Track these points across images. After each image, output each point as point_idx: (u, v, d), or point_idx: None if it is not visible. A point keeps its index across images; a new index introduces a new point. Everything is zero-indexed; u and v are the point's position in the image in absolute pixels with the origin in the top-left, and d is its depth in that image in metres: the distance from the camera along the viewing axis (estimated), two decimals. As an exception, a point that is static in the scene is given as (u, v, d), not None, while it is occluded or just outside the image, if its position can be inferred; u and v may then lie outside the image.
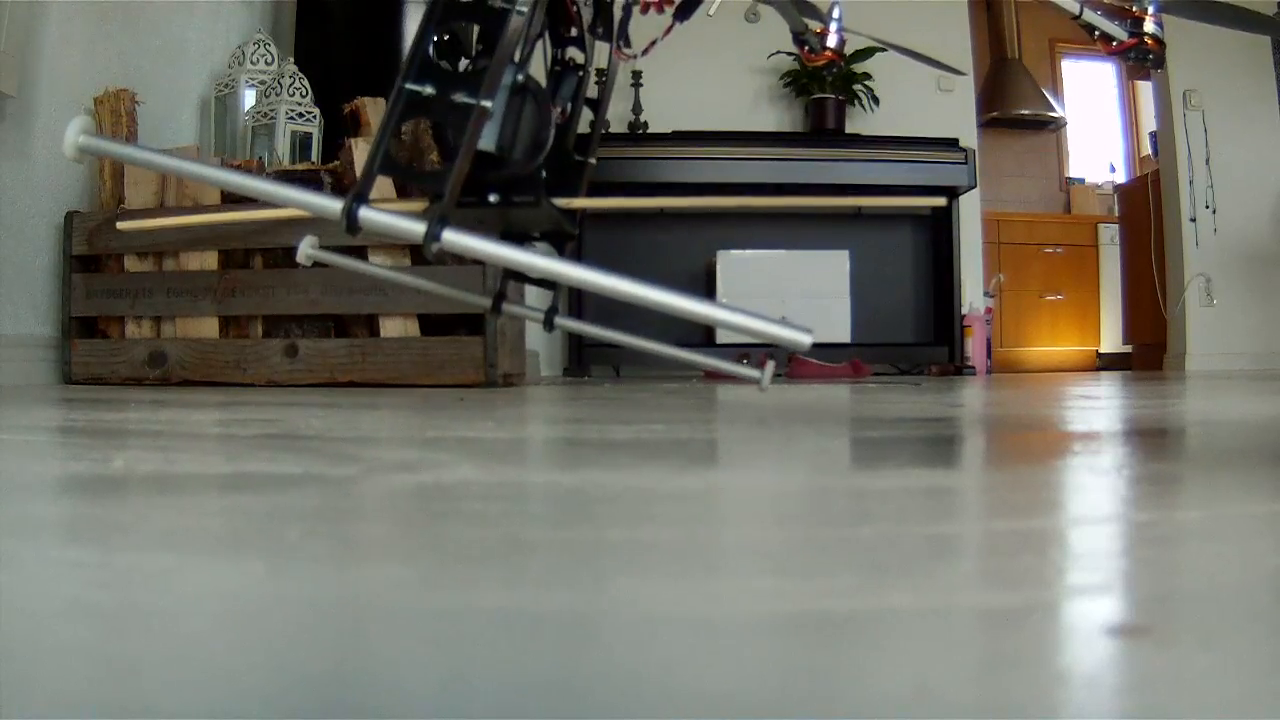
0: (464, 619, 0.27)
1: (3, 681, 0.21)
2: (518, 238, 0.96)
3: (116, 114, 2.25)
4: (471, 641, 0.25)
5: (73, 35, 2.25)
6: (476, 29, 0.79)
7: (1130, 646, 0.23)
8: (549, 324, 1.08)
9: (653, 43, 1.09)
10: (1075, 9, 1.12)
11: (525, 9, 0.75)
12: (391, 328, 2.10)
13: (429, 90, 0.73)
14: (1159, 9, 1.10)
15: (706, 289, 3.79)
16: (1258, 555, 0.34)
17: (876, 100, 4.11)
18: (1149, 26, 1.10)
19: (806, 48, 1.24)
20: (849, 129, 4.09)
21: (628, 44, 1.09)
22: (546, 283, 1.06)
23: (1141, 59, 1.10)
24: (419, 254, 2.10)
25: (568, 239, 1.02)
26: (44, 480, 0.57)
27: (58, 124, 2.23)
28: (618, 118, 4.04)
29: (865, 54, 4.05)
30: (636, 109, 3.94)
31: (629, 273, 0.75)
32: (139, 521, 0.42)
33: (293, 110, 2.51)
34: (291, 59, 2.67)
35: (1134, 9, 1.10)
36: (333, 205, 0.70)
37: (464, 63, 0.79)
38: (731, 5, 3.53)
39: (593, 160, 1.04)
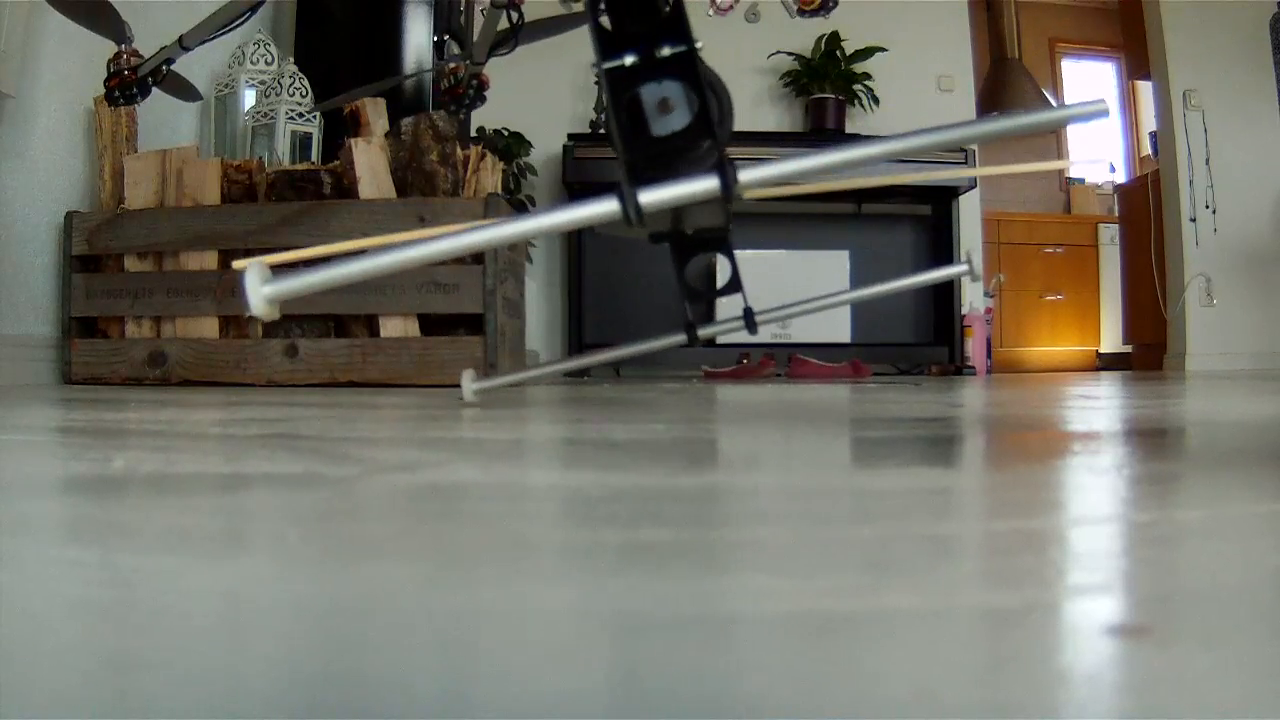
0: (464, 619, 0.27)
1: (3, 681, 0.21)
2: (688, 241, 0.89)
3: (116, 114, 2.25)
4: (472, 642, 0.25)
5: (73, 35, 2.25)
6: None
7: (1130, 646, 0.23)
8: (752, 327, 1.04)
9: None
10: None
11: None
12: (391, 328, 2.10)
13: (630, 60, 0.70)
14: None
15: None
16: (1258, 555, 0.34)
17: (876, 100, 4.11)
18: None
19: None
20: (849, 129, 4.09)
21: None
22: (736, 287, 1.01)
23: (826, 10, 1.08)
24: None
25: (727, 232, 0.97)
26: (44, 480, 0.57)
27: (58, 124, 2.23)
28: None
29: (865, 54, 4.06)
30: (636, 109, 3.94)
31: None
32: (139, 521, 0.42)
33: (293, 110, 2.51)
34: (291, 59, 2.67)
35: None
36: (610, 205, 0.67)
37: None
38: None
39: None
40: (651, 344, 1.06)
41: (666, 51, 0.70)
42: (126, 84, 1.70)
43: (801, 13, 1.12)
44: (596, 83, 4.00)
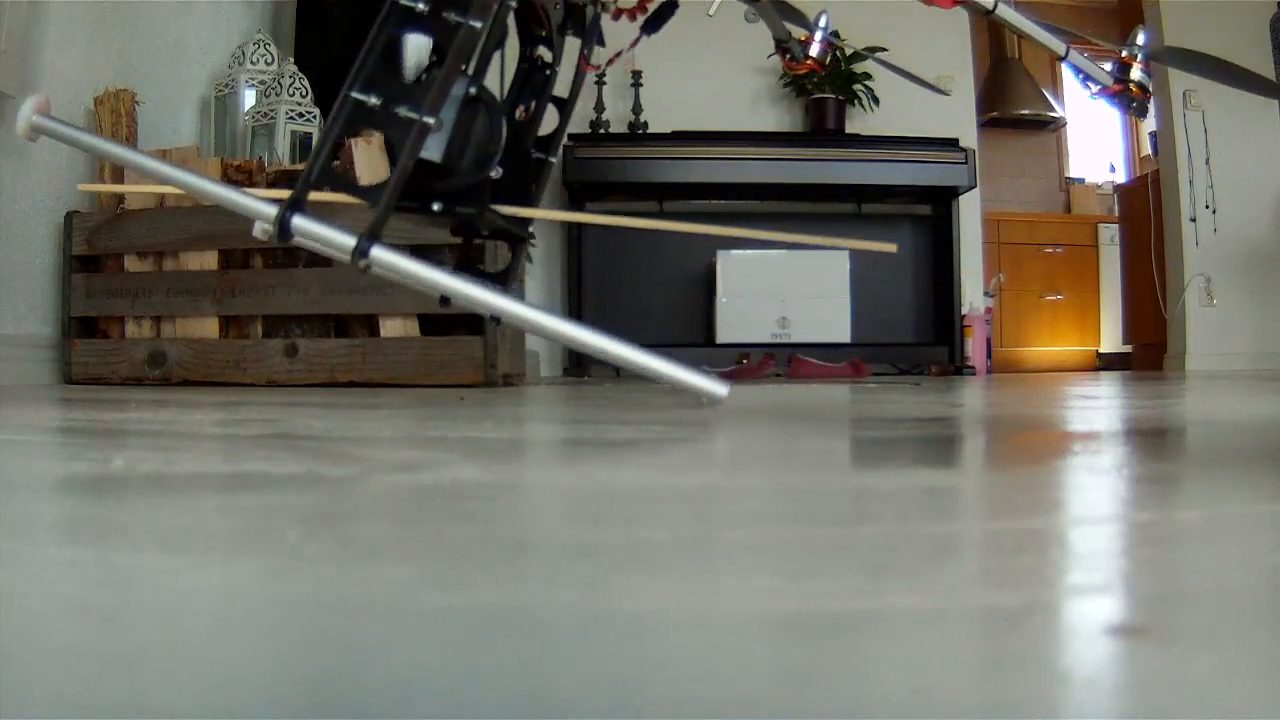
0: (464, 619, 0.27)
1: (3, 681, 0.21)
2: (469, 235, 0.92)
3: (116, 114, 2.25)
4: (472, 641, 0.25)
5: (73, 35, 2.25)
6: (428, 41, 0.78)
7: (1130, 646, 0.23)
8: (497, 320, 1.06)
9: (618, 54, 1.08)
10: (1061, 50, 1.11)
11: (479, 24, 0.74)
12: (391, 328, 2.10)
13: (374, 101, 0.72)
14: (1147, 57, 1.09)
15: (706, 289, 3.79)
16: (1258, 555, 0.34)
17: (876, 100, 4.11)
18: (1135, 74, 1.09)
19: (789, 55, 1.24)
20: (849, 129, 4.09)
21: (601, 43, 1.08)
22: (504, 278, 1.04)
23: (1125, 106, 1.09)
24: (418, 254, 2.10)
25: (520, 241, 1.00)
26: (44, 480, 0.57)
27: (58, 124, 2.23)
28: (618, 117, 4.04)
29: (865, 54, 4.06)
30: (636, 109, 3.94)
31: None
32: (139, 521, 0.42)
33: (293, 110, 2.51)
34: (291, 59, 2.67)
35: (1124, 55, 1.09)
36: (266, 209, 0.69)
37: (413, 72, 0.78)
38: (731, 5, 3.54)
39: (553, 159, 1.03)
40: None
41: (402, 112, 0.72)
42: None
43: (788, 73, 1.15)
44: (597, 82, 4.00)
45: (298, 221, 0.68)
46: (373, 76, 0.73)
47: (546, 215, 1.02)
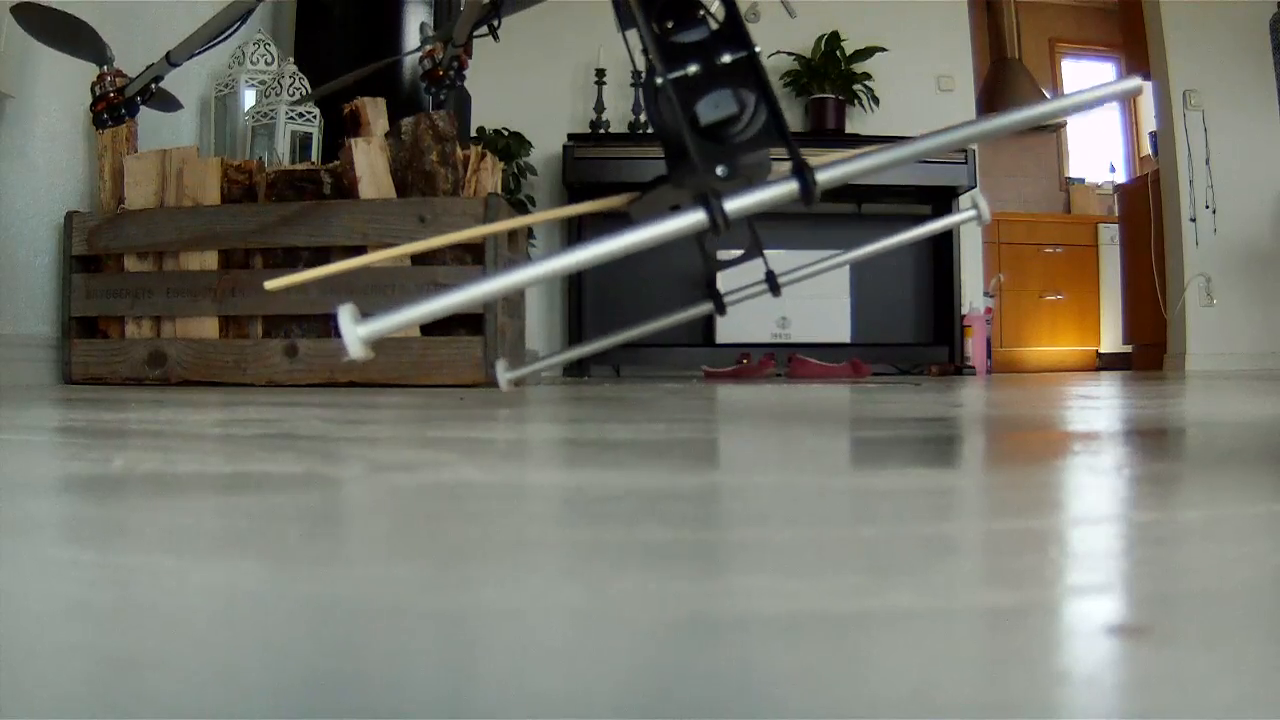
0: (464, 619, 0.27)
1: (3, 681, 0.21)
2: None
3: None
4: (472, 642, 0.25)
5: (73, 35, 2.25)
6: (661, 9, 0.75)
7: (1130, 646, 0.23)
8: (774, 289, 1.03)
9: None
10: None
11: None
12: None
13: (693, 69, 0.70)
14: None
15: (706, 289, 3.79)
16: (1258, 555, 0.34)
17: (876, 100, 4.11)
18: None
19: None
20: (849, 129, 4.09)
21: None
22: (757, 253, 1.00)
23: None
24: (418, 254, 2.10)
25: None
26: (44, 480, 0.57)
27: (58, 124, 2.23)
28: (618, 117, 4.04)
29: (865, 54, 4.06)
30: (636, 109, 3.94)
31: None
32: (139, 521, 0.42)
33: (293, 110, 2.51)
34: (291, 59, 2.67)
35: None
36: (696, 217, 0.67)
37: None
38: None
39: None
40: (680, 315, 1.06)
41: (727, 58, 0.70)
42: (114, 106, 1.71)
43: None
44: (597, 83, 4.00)
45: (732, 204, 0.67)
46: (673, 51, 0.71)
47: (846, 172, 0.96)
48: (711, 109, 0.71)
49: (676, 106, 0.70)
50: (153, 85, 1.71)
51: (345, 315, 0.65)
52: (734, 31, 0.71)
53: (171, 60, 1.65)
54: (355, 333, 0.64)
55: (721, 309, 1.05)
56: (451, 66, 1.69)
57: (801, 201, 0.67)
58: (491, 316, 2.05)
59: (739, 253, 1.02)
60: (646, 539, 0.37)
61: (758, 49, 0.70)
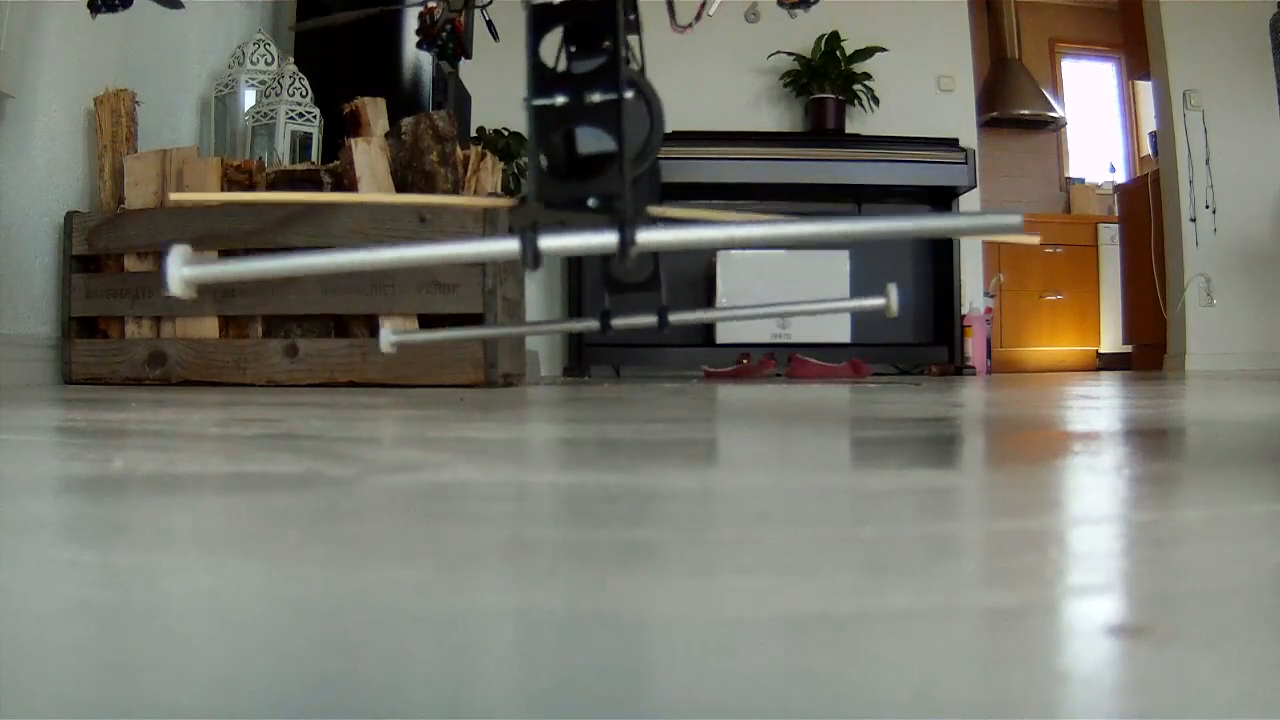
0: (464, 619, 0.27)
1: (3, 681, 0.21)
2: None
3: (116, 114, 2.25)
4: (472, 642, 0.25)
5: (73, 35, 2.25)
6: (564, 30, 0.76)
7: (1130, 646, 0.23)
8: (664, 324, 1.04)
9: (703, 4, 1.05)
10: None
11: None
12: (392, 328, 2.10)
13: (560, 100, 0.71)
14: None
15: (706, 289, 3.79)
16: (1258, 555, 0.34)
17: (876, 100, 4.11)
18: None
19: None
20: (849, 129, 4.09)
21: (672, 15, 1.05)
22: (654, 284, 1.01)
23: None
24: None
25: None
26: (44, 480, 0.57)
27: (58, 124, 2.23)
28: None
29: (865, 54, 4.06)
30: (636, 109, 3.94)
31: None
32: (139, 521, 0.42)
33: (293, 110, 2.51)
34: (291, 59, 2.67)
35: None
36: (510, 245, 0.67)
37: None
38: (731, 5, 3.53)
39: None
40: (558, 325, 1.09)
41: (597, 98, 0.70)
42: None
43: (783, 4, 1.11)
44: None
45: (546, 243, 0.67)
46: (547, 78, 0.72)
47: (682, 214, 0.98)
48: (582, 145, 0.72)
49: (531, 131, 0.71)
50: None
51: (175, 255, 0.66)
52: (609, 73, 0.72)
53: None
54: (181, 273, 0.65)
55: (606, 329, 1.06)
56: (445, 29, 1.68)
57: (617, 257, 0.67)
58: (492, 316, 2.05)
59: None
60: (646, 539, 0.37)
61: (626, 95, 0.71)
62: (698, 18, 1.06)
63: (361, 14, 1.84)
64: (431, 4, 1.70)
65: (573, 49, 0.75)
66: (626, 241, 0.66)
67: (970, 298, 4.04)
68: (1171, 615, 0.26)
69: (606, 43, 0.73)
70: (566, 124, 0.71)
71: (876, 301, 1.11)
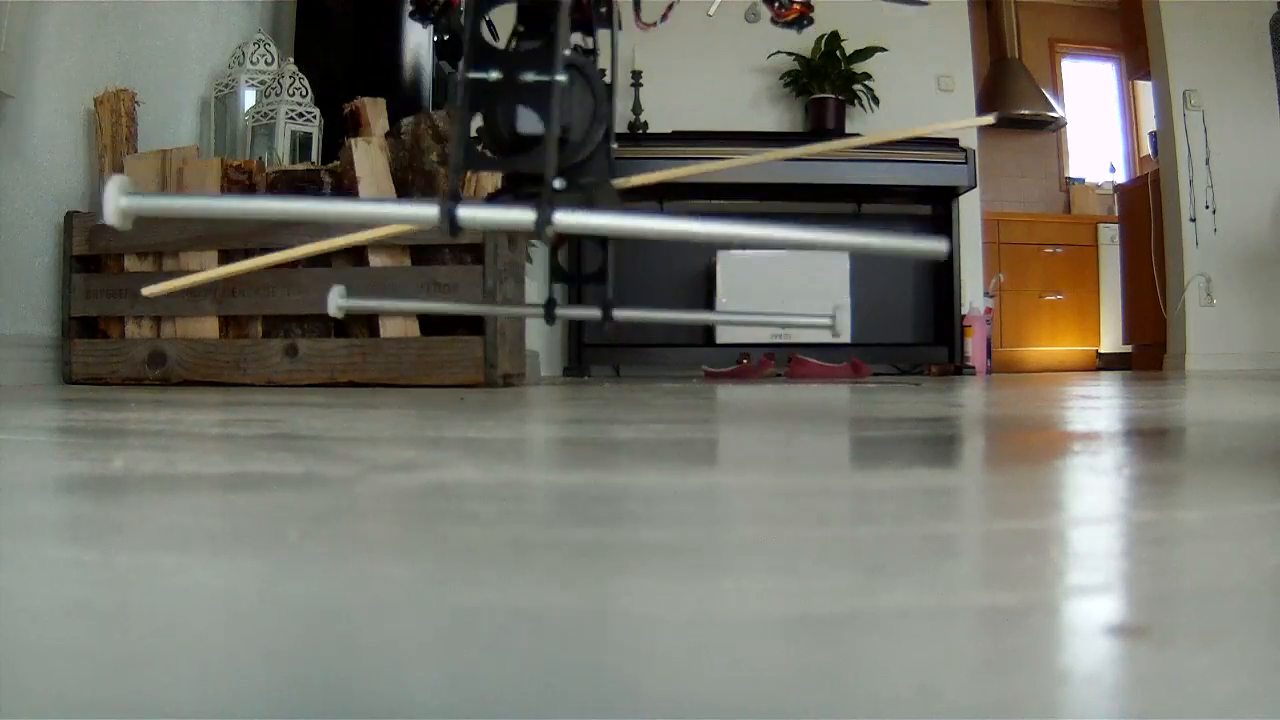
0: (464, 619, 0.27)
1: (3, 681, 0.21)
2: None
3: (116, 114, 2.25)
4: (471, 642, 0.25)
5: (73, 35, 2.25)
6: (516, 10, 0.77)
7: (1130, 646, 0.23)
8: (607, 319, 1.04)
9: (670, 4, 1.05)
10: None
11: None
12: (391, 328, 2.10)
13: (494, 75, 0.71)
14: None
15: (706, 290, 3.79)
16: (1258, 555, 0.34)
17: (876, 100, 4.11)
18: None
19: (776, 3, 1.22)
20: (849, 129, 4.09)
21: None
22: (600, 277, 1.01)
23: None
24: (418, 255, 2.10)
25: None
26: (44, 480, 0.57)
27: (58, 124, 2.23)
28: (618, 117, 4.04)
29: (865, 54, 4.06)
30: (636, 109, 3.94)
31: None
32: (139, 521, 0.42)
33: (293, 110, 2.51)
34: (291, 59, 2.67)
35: None
36: (429, 211, 0.67)
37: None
38: (731, 5, 3.54)
39: (615, 145, 1.01)
40: (512, 309, 1.10)
41: (530, 77, 0.71)
42: None
43: (776, 23, 1.11)
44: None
45: (464, 212, 0.67)
46: (485, 52, 0.72)
47: (656, 179, 0.96)
48: (526, 121, 0.72)
49: (462, 101, 0.71)
50: None
51: (113, 184, 0.66)
52: (546, 52, 0.72)
53: None
54: (117, 202, 0.64)
55: (551, 319, 1.07)
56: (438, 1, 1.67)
57: (534, 233, 0.67)
58: (492, 317, 2.05)
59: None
60: (647, 539, 0.37)
61: (560, 78, 0.71)
62: (664, 17, 1.06)
63: None
64: None
65: (521, 29, 0.76)
66: (543, 220, 0.66)
67: (970, 298, 4.04)
68: (1171, 615, 0.26)
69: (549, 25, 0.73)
70: (498, 100, 0.71)
71: (823, 320, 1.12)
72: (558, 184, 0.72)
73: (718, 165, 0.72)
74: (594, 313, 1.05)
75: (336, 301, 1.12)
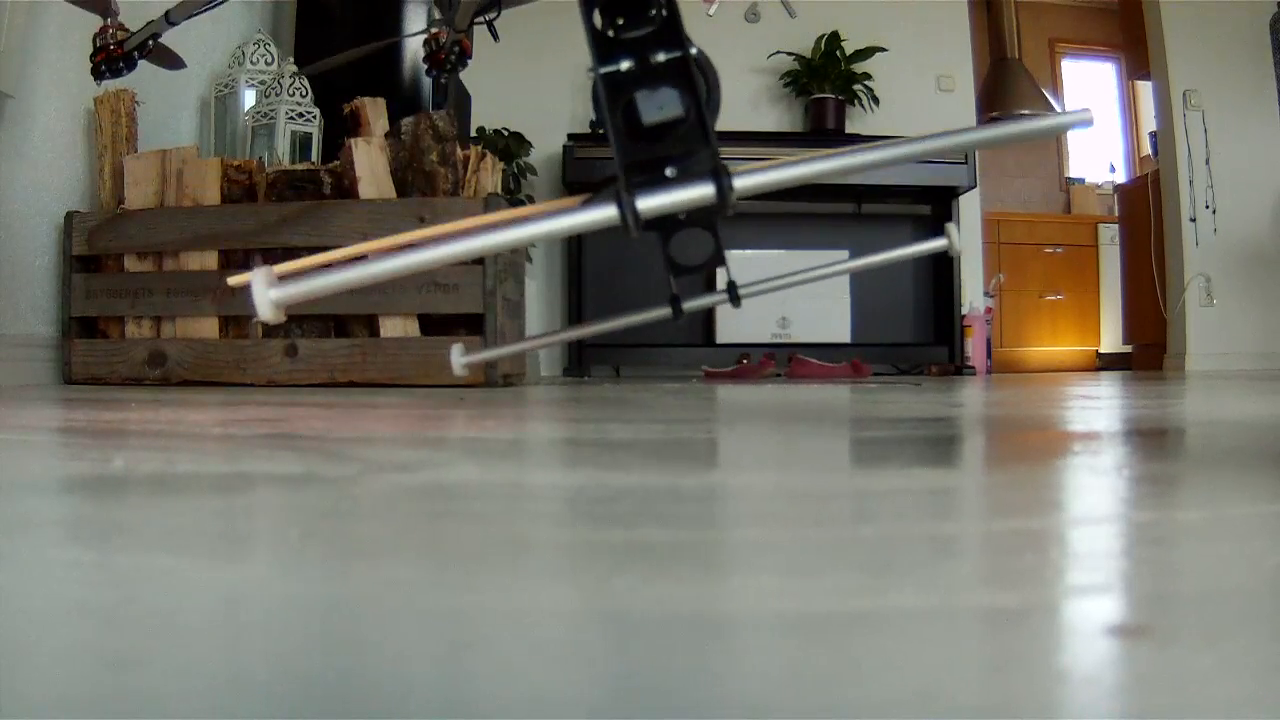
0: (464, 619, 0.27)
1: (3, 681, 0.21)
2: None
3: (116, 114, 2.25)
4: (471, 641, 0.25)
5: (73, 35, 2.25)
6: (601, 9, 0.75)
7: (1130, 646, 0.23)
8: (735, 300, 1.02)
9: None
10: None
11: None
12: (391, 328, 2.10)
13: (626, 65, 0.71)
14: None
15: (706, 290, 3.79)
16: (1258, 555, 0.34)
17: (876, 100, 4.11)
18: None
19: None
20: (849, 129, 4.09)
21: None
22: (718, 260, 0.99)
23: None
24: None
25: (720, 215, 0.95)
26: (44, 480, 0.57)
27: (58, 124, 2.23)
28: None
29: (865, 54, 4.06)
30: (636, 109, 3.94)
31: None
32: (139, 521, 0.42)
33: (293, 110, 2.51)
34: (291, 59, 2.67)
35: None
36: (608, 211, 0.66)
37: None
38: (731, 5, 3.53)
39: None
40: (640, 316, 1.04)
41: (661, 57, 0.70)
42: (113, 58, 1.70)
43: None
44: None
45: (643, 203, 0.66)
46: (609, 45, 0.71)
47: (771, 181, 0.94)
48: (653, 109, 0.71)
49: (604, 101, 0.70)
50: (150, 41, 1.69)
51: (259, 277, 0.64)
52: (670, 30, 0.71)
53: (170, 19, 1.65)
54: (267, 296, 0.63)
55: (679, 314, 1.05)
56: (453, 51, 1.69)
57: (717, 207, 0.66)
58: (492, 316, 2.05)
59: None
60: (647, 539, 0.37)
61: (692, 50, 0.70)
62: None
63: (365, 50, 1.84)
64: (435, 30, 1.71)
65: (620, 21, 0.74)
66: (725, 187, 0.65)
67: (970, 298, 4.04)
68: (1171, 615, 0.26)
69: (654, 9, 0.72)
70: (635, 88, 0.70)
71: (939, 244, 1.07)
72: (669, 172, 0.70)
73: (825, 167, 0.70)
74: (721, 298, 1.03)
75: (459, 360, 1.05)
